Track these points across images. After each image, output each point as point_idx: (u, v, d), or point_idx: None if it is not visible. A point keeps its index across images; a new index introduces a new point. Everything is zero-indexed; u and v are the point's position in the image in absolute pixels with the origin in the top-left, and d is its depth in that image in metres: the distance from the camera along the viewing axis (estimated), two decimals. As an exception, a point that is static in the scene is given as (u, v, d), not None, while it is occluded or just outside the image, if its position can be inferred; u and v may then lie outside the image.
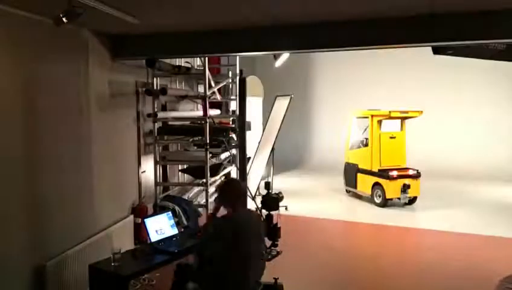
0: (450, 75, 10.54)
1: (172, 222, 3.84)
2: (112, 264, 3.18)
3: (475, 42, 3.67)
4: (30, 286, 3.40)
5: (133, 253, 3.44)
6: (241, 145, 4.19)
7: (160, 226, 3.70)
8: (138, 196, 5.18)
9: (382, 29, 3.69)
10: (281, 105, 8.36)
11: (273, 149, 8.21)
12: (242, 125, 5.40)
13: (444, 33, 3.57)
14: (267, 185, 3.88)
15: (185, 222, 5.23)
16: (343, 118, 11.54)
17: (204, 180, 5.58)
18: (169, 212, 3.94)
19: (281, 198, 3.84)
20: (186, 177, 6.60)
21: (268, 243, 3.68)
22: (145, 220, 3.63)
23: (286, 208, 7.35)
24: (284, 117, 8.25)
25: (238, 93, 5.65)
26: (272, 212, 3.72)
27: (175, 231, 3.83)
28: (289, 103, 8.25)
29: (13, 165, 3.24)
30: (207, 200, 5.60)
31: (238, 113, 6.01)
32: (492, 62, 5.60)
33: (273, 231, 3.67)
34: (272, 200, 3.76)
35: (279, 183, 9.58)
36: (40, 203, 3.53)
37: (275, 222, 3.72)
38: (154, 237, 3.61)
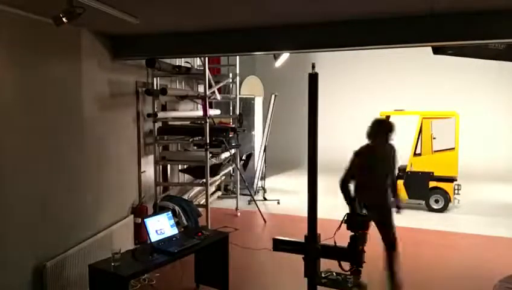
0: (447, 75, 10.53)
1: (172, 222, 3.85)
2: (112, 264, 3.18)
3: (475, 42, 3.66)
4: (30, 286, 3.40)
5: (133, 253, 3.45)
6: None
7: (161, 226, 3.72)
8: (138, 196, 5.19)
9: (382, 29, 3.69)
10: (270, 104, 8.54)
11: (265, 149, 8.27)
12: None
13: (444, 33, 3.57)
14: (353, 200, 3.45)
15: (185, 222, 5.24)
16: (342, 117, 11.62)
17: (204, 180, 5.59)
18: (169, 212, 3.96)
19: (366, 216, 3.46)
20: (186, 177, 6.61)
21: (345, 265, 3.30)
22: (145, 220, 3.66)
23: (278, 202, 7.71)
24: (271, 116, 8.34)
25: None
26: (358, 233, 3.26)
27: (175, 231, 3.84)
28: (274, 101, 8.43)
29: (13, 165, 3.24)
30: (207, 200, 5.60)
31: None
32: (493, 62, 5.60)
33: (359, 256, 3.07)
34: (358, 219, 3.17)
35: (279, 184, 9.61)
36: (40, 203, 3.53)
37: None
38: (154, 237, 3.62)
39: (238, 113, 7.29)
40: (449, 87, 10.58)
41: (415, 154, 7.54)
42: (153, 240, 3.60)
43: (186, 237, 3.84)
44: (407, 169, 7.48)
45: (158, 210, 5.39)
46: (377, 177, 4.04)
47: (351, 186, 3.97)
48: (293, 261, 3.41)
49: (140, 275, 3.63)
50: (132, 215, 4.94)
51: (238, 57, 7.12)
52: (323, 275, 3.19)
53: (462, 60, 5.41)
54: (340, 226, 3.09)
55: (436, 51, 4.34)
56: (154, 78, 5.23)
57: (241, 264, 4.74)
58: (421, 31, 3.61)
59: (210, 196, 5.85)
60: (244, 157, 7.97)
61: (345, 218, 3.17)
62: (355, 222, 3.16)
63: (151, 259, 3.39)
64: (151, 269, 3.52)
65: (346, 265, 3.12)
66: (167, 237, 3.73)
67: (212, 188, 6.87)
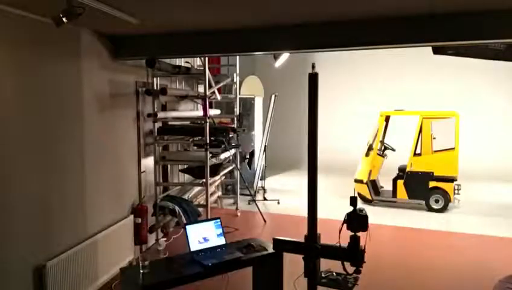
0: (447, 75, 10.53)
1: (220, 231, 3.48)
2: (141, 271, 2.96)
3: (475, 42, 3.67)
4: (30, 286, 3.41)
5: (169, 261, 3.21)
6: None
7: (204, 235, 3.39)
8: (138, 196, 5.19)
9: (382, 29, 3.69)
10: (270, 104, 8.57)
11: (265, 148, 8.29)
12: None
13: (444, 33, 3.57)
14: (353, 201, 3.11)
15: (184, 221, 5.24)
16: (343, 117, 11.62)
17: (204, 180, 5.59)
18: (218, 220, 3.55)
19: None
20: (186, 177, 6.61)
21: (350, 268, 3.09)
22: (187, 227, 3.35)
23: (278, 202, 7.75)
24: (271, 116, 8.35)
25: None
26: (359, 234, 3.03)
27: (222, 241, 3.45)
28: (274, 101, 8.45)
29: (13, 165, 3.24)
30: (207, 200, 5.61)
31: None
32: (493, 62, 5.61)
33: (359, 256, 3.02)
34: (359, 219, 3.04)
35: (279, 184, 9.61)
36: (40, 203, 3.53)
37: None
38: (194, 245, 3.30)
39: (238, 113, 7.29)
40: (449, 87, 10.59)
41: (415, 154, 7.55)
42: (192, 249, 3.27)
43: (234, 249, 3.40)
44: (407, 169, 7.49)
45: (158, 210, 5.39)
46: None
47: None
48: (293, 261, 3.41)
49: (165, 288, 3.04)
50: (132, 216, 4.94)
51: (238, 57, 7.12)
52: (323, 275, 3.18)
53: (462, 60, 5.41)
54: (341, 227, 3.09)
55: (436, 51, 4.34)
56: (154, 78, 5.23)
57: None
58: (421, 31, 3.61)
59: (210, 196, 5.85)
60: (247, 156, 8.02)
61: (345, 218, 3.16)
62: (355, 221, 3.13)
63: (184, 270, 3.07)
64: (179, 282, 3.01)
65: (350, 269, 3.10)
66: (210, 247, 3.35)
67: (212, 188, 6.86)
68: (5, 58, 3.15)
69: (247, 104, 8.62)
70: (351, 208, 3.10)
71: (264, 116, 8.93)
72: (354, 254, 3.06)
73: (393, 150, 7.95)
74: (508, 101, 10.66)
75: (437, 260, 5.12)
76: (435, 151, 7.42)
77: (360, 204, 3.56)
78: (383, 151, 7.99)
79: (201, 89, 6.61)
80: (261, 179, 8.42)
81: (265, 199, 7.97)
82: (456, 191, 7.30)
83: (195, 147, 6.27)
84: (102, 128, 4.40)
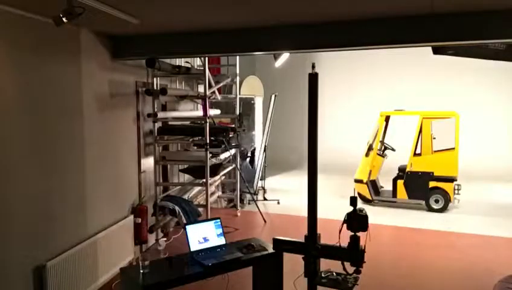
0: (447, 75, 10.52)
1: (220, 230, 3.50)
2: (141, 271, 2.96)
3: (475, 42, 3.67)
4: (30, 286, 3.41)
5: (169, 261, 3.20)
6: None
7: (204, 235, 3.41)
8: (138, 196, 5.19)
9: (382, 29, 3.69)
10: (270, 104, 8.59)
11: (265, 149, 8.30)
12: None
13: (444, 33, 3.57)
14: (353, 201, 3.10)
15: (184, 221, 5.24)
16: (343, 117, 11.62)
17: (204, 180, 5.59)
18: (218, 220, 3.56)
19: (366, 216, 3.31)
20: (186, 177, 6.61)
21: (349, 268, 3.09)
22: (187, 227, 3.37)
23: (278, 202, 7.75)
24: (271, 116, 8.37)
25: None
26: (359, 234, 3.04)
27: (222, 241, 3.46)
28: (274, 101, 8.48)
29: (13, 165, 3.25)
30: (207, 200, 5.61)
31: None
32: (493, 62, 5.61)
33: (359, 255, 3.02)
34: (359, 219, 3.05)
35: (279, 184, 9.61)
36: (40, 203, 3.53)
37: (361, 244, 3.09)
38: (194, 246, 3.31)
39: (238, 113, 7.30)
40: (449, 87, 10.58)
41: (415, 154, 7.55)
42: (192, 249, 3.28)
43: (234, 249, 3.41)
44: (407, 169, 7.49)
45: (158, 210, 5.39)
46: None
47: None
48: (293, 261, 3.41)
49: (166, 287, 3.05)
50: (132, 216, 4.94)
51: (238, 57, 7.13)
52: (323, 275, 3.18)
53: (461, 60, 5.41)
54: (341, 227, 3.10)
55: (436, 51, 4.35)
56: (154, 78, 5.23)
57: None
58: (421, 31, 3.61)
59: (210, 196, 5.85)
60: (249, 154, 8.02)
61: (345, 218, 3.16)
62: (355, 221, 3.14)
63: (184, 270, 3.08)
64: (179, 282, 3.02)
65: (350, 269, 3.11)
66: (210, 247, 3.36)
67: (212, 188, 6.86)
68: (5, 58, 3.15)
69: (247, 104, 8.62)
70: (351, 208, 3.10)
71: (264, 116, 8.92)
72: (354, 254, 3.07)
73: (393, 150, 7.95)
74: (508, 101, 10.65)
75: (437, 260, 5.12)
76: (435, 151, 7.41)
77: (360, 204, 3.55)
78: (383, 151, 7.98)
79: (201, 89, 6.61)
80: (261, 179, 8.42)
81: (265, 199, 7.97)
82: (456, 191, 7.30)
83: (195, 147, 6.27)
84: (102, 128, 4.40)
